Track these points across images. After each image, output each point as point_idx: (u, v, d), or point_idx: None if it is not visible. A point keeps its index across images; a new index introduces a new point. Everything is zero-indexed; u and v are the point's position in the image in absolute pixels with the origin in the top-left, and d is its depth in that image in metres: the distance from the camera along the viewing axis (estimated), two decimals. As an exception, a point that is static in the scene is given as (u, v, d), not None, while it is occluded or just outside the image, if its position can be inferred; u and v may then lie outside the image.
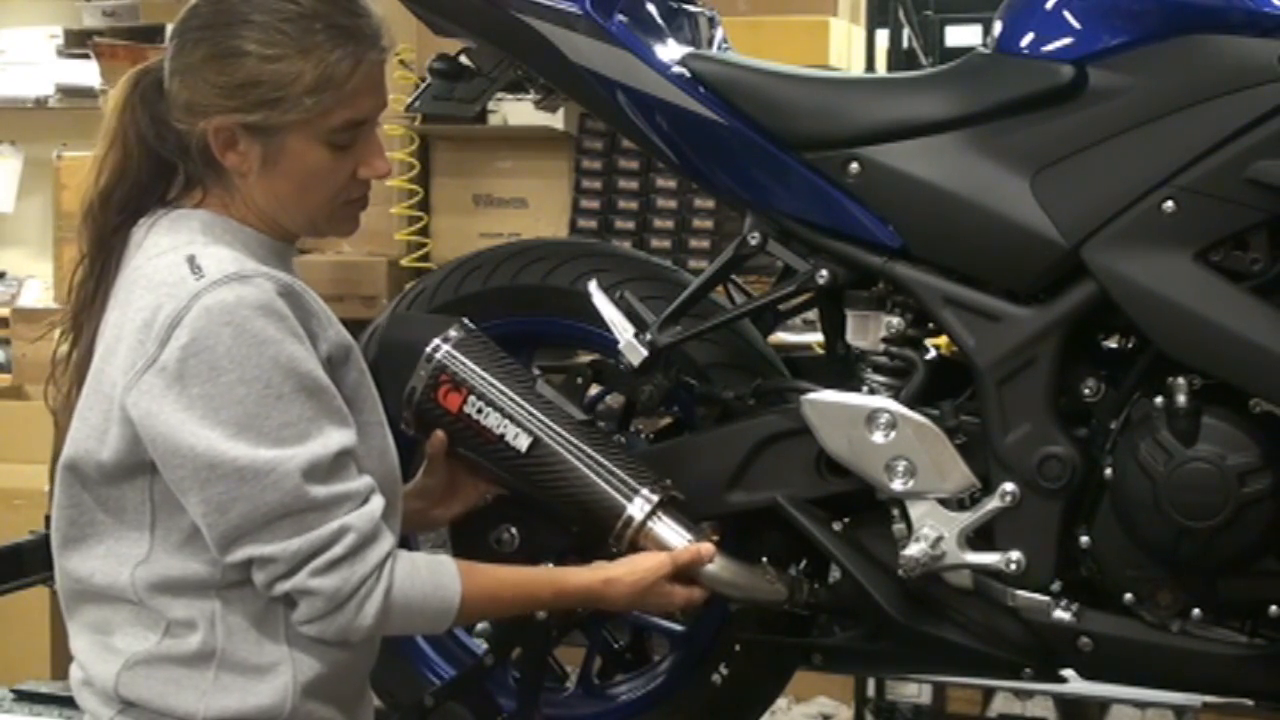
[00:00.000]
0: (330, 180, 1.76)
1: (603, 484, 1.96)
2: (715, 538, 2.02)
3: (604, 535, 1.96)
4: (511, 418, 1.97)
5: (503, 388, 1.98)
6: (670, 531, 1.96)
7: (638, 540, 1.95)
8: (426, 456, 2.03)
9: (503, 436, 1.97)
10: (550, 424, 1.98)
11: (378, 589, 1.69)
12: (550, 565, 2.04)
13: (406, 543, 2.32)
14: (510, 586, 1.85)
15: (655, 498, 1.96)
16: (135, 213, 1.77)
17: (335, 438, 1.68)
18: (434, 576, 1.75)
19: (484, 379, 1.99)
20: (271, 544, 1.66)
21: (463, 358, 1.99)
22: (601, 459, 1.97)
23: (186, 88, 1.72)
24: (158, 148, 1.77)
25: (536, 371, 2.13)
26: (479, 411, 1.97)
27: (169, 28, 5.18)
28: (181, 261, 1.68)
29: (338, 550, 1.67)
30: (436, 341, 2.00)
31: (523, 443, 1.97)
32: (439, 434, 2.00)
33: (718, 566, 1.98)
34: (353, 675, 1.81)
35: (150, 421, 1.65)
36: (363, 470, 1.73)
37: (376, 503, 1.71)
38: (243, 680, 1.71)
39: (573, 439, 1.98)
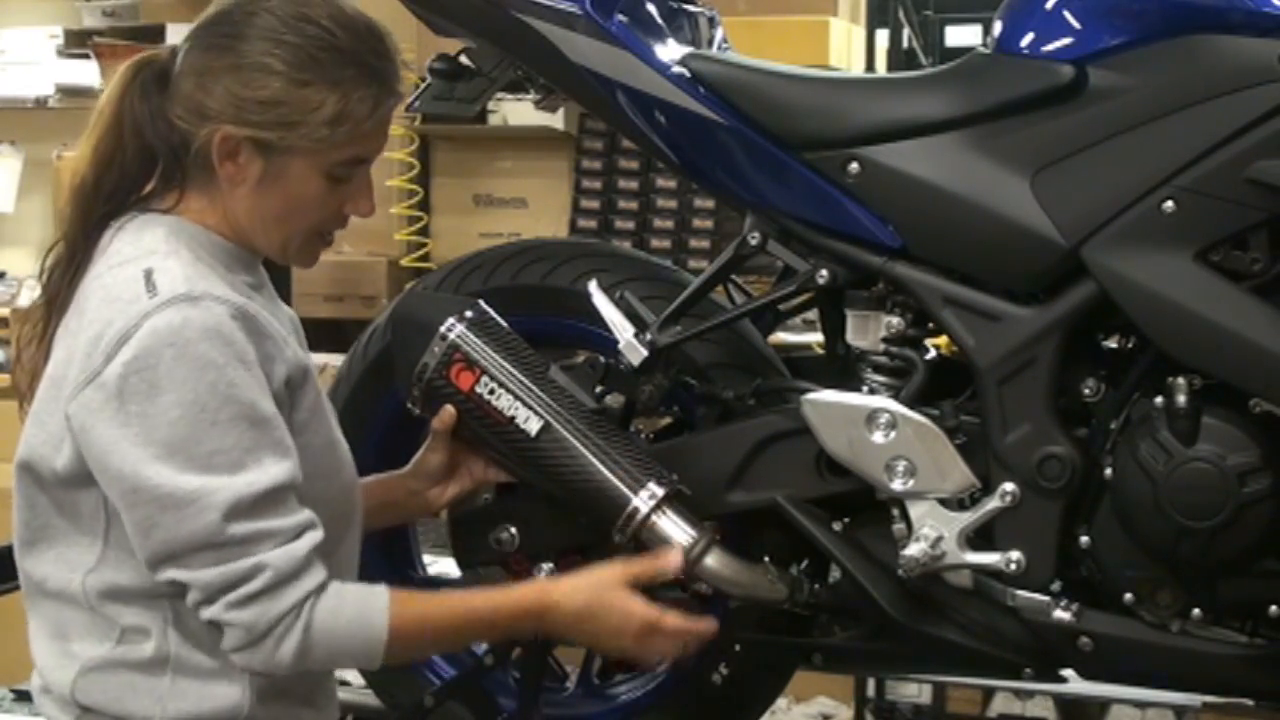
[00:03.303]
0: (317, 211, 1.77)
1: (610, 474, 1.96)
2: (717, 536, 2.01)
3: (608, 526, 1.96)
4: (523, 401, 1.97)
5: (515, 371, 1.99)
6: (674, 527, 1.96)
7: (641, 533, 1.95)
8: (431, 433, 2.03)
9: (513, 419, 1.97)
10: (561, 410, 1.98)
11: (296, 625, 1.67)
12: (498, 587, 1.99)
13: (404, 533, 2.34)
14: (449, 613, 1.80)
15: (662, 491, 1.96)
16: (120, 203, 1.76)
17: (271, 472, 1.66)
18: (360, 611, 1.72)
19: (498, 361, 1.99)
20: (189, 571, 1.66)
21: (477, 338, 2.00)
22: (610, 449, 1.97)
23: (201, 90, 1.72)
24: (151, 139, 1.76)
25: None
26: (491, 392, 1.98)
27: (169, 27, 5.16)
28: (139, 276, 1.67)
29: (253, 586, 1.65)
30: (452, 320, 2.00)
31: (533, 426, 1.97)
32: (448, 409, 1.99)
33: (719, 563, 1.98)
34: (315, 675, 1.81)
35: (86, 436, 1.65)
36: (306, 498, 1.71)
37: (305, 541, 1.69)
38: (198, 684, 1.71)
39: (583, 427, 1.98)
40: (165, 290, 1.65)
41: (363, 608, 1.73)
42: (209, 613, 1.67)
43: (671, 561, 1.90)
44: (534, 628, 1.88)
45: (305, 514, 1.70)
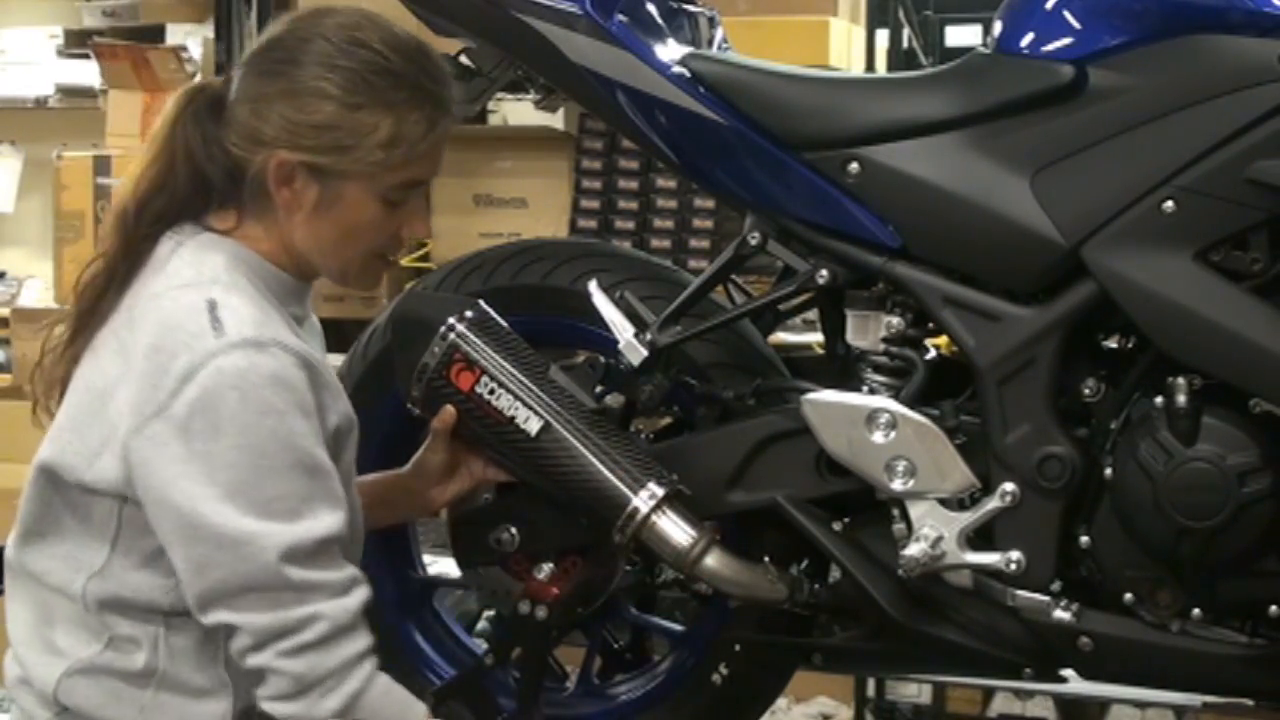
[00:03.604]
0: (374, 235, 1.77)
1: (610, 474, 1.96)
2: (718, 536, 2.01)
3: (608, 527, 1.96)
4: (523, 401, 1.97)
5: (516, 371, 1.99)
6: (674, 527, 1.96)
7: (641, 533, 1.95)
8: (431, 433, 2.03)
9: (513, 419, 1.97)
10: (561, 410, 1.98)
11: (345, 684, 1.68)
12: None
13: (404, 532, 2.34)
14: None
15: (662, 491, 1.96)
16: (167, 225, 1.77)
17: (325, 521, 1.67)
18: (405, 707, 1.75)
19: (498, 360, 1.99)
20: (242, 614, 1.66)
21: (477, 338, 2.00)
22: (610, 449, 1.97)
23: (256, 116, 1.72)
24: (204, 166, 1.76)
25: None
26: (491, 392, 1.98)
27: (169, 28, 5.14)
28: (202, 307, 1.67)
29: (307, 636, 1.66)
30: (452, 320, 2.00)
31: (533, 426, 1.97)
32: (448, 409, 1.99)
33: (719, 563, 1.98)
34: None
35: (146, 469, 1.65)
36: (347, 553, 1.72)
37: (356, 596, 1.70)
38: (181, 701, 1.72)
39: (583, 427, 1.98)
40: (232, 331, 1.66)
41: (407, 706, 1.75)
42: (258, 659, 1.67)
43: None
44: None
45: (352, 569, 1.72)
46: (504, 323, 2.05)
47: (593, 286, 2.11)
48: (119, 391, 1.68)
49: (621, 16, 2.09)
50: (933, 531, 1.98)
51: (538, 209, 4.06)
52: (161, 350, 1.66)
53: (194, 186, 1.77)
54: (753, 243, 2.09)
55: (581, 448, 1.97)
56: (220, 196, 1.78)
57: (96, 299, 1.76)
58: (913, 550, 1.97)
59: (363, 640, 1.70)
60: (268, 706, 1.70)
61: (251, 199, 1.76)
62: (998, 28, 2.04)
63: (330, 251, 1.77)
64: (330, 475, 1.70)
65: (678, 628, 2.31)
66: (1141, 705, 3.61)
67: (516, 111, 3.95)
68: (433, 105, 1.75)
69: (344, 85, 1.71)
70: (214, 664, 1.73)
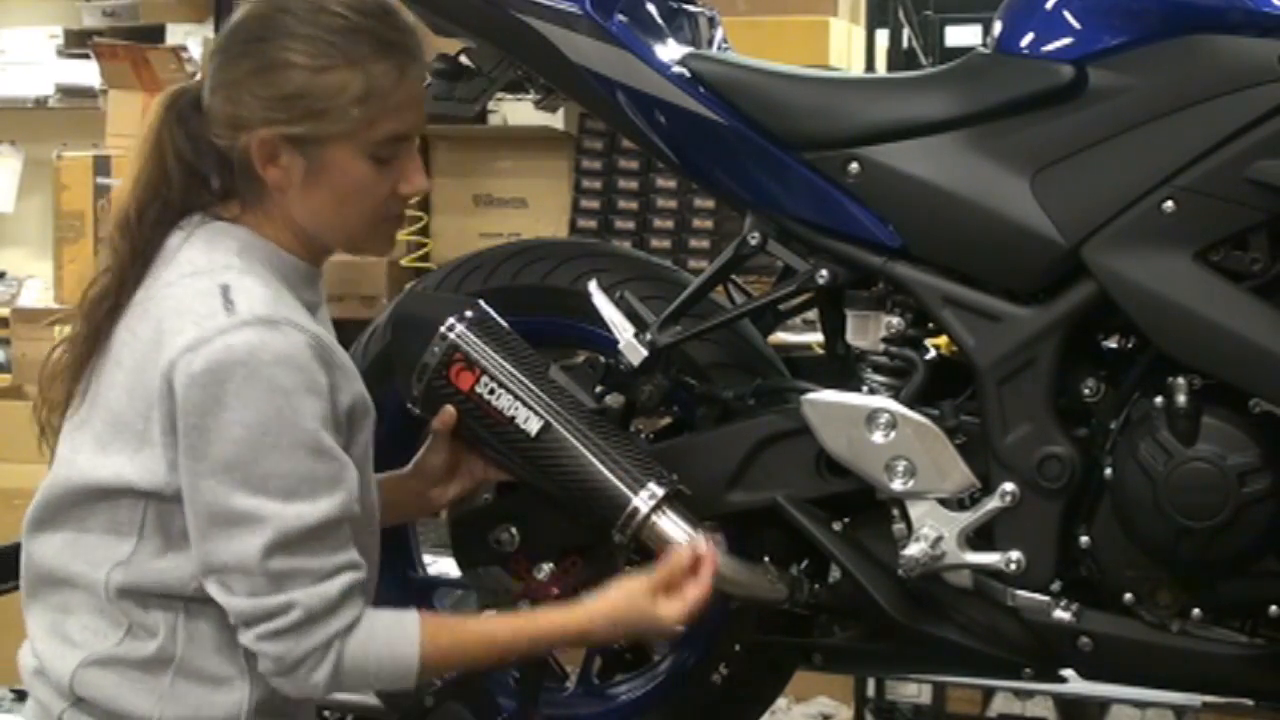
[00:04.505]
0: (370, 196, 1.77)
1: (610, 474, 1.96)
2: (719, 536, 2.01)
3: (608, 527, 1.96)
4: (523, 401, 1.97)
5: (516, 371, 1.99)
6: (674, 527, 1.96)
7: (641, 533, 1.95)
8: (431, 434, 2.03)
9: (513, 419, 1.97)
10: (561, 410, 1.98)
11: (325, 661, 1.69)
12: (526, 609, 1.99)
13: (404, 532, 2.34)
14: (476, 643, 1.82)
15: (662, 492, 1.96)
16: (170, 224, 1.77)
17: (321, 506, 1.67)
18: (390, 644, 1.74)
19: (498, 360, 1.99)
20: (227, 593, 1.68)
21: (477, 338, 2.00)
22: (610, 449, 1.97)
23: (230, 102, 1.73)
24: (196, 165, 1.77)
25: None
26: (491, 392, 1.98)
27: (169, 27, 5.16)
28: (215, 291, 1.68)
29: (280, 623, 1.67)
30: (452, 320, 2.00)
31: (533, 426, 1.97)
32: (449, 409, 1.99)
33: (719, 563, 1.98)
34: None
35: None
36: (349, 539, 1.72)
37: (338, 581, 1.69)
38: (199, 689, 1.72)
39: (583, 427, 1.98)
40: (244, 310, 1.66)
41: (392, 642, 1.74)
42: (244, 638, 1.70)
43: (683, 556, 1.88)
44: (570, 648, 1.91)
45: (346, 555, 1.71)
46: (504, 323, 2.05)
47: (593, 286, 2.11)
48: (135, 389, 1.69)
49: (621, 16, 2.09)
50: (933, 531, 1.98)
51: (538, 209, 4.06)
52: (170, 331, 1.67)
53: (190, 185, 1.78)
54: (753, 243, 2.09)
55: (581, 448, 1.97)
56: (219, 191, 1.78)
57: (109, 311, 1.75)
58: (913, 550, 1.97)
59: (344, 619, 1.70)
60: (272, 682, 1.72)
61: (246, 187, 1.76)
62: (998, 28, 2.04)
63: (332, 222, 1.77)
64: (335, 460, 1.69)
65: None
66: (1141, 705, 3.61)
67: (516, 111, 3.95)
68: (400, 54, 1.74)
69: (308, 51, 1.71)
70: (233, 649, 1.73)
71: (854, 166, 2.02)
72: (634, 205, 3.92)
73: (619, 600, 1.85)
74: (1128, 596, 1.97)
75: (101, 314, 1.76)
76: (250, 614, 1.68)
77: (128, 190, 1.79)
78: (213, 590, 1.68)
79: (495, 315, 2.05)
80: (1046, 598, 1.97)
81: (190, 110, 1.78)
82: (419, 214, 4.13)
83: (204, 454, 1.64)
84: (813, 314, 2.23)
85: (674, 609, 1.85)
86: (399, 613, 1.78)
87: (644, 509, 1.95)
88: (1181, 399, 1.90)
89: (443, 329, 2.00)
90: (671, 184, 3.88)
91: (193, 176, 1.78)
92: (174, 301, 1.69)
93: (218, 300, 1.67)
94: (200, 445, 1.64)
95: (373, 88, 1.72)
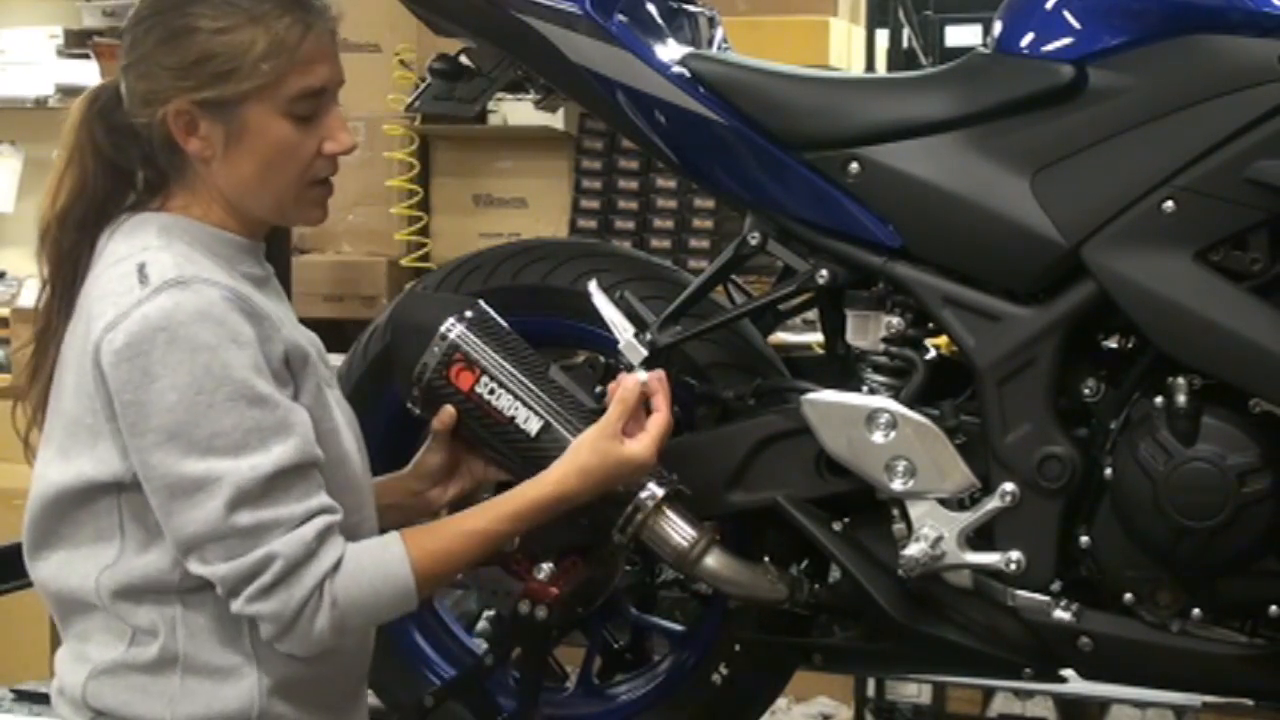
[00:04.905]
0: (295, 156, 1.75)
1: None
2: (718, 536, 2.02)
3: (608, 526, 1.96)
4: (523, 401, 1.97)
5: (516, 371, 1.98)
6: (674, 527, 1.96)
7: (641, 533, 1.95)
8: (431, 434, 2.03)
9: (513, 419, 1.97)
10: (561, 410, 1.98)
11: (322, 606, 1.68)
12: (488, 497, 1.96)
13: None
14: (461, 539, 1.80)
15: (662, 491, 1.96)
16: (95, 226, 1.77)
17: (275, 454, 1.66)
18: (380, 569, 1.73)
19: (497, 360, 1.99)
20: (207, 565, 1.67)
21: (477, 338, 2.00)
22: None
23: (143, 79, 1.73)
24: (116, 159, 1.77)
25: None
26: (491, 392, 1.97)
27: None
28: (132, 270, 1.68)
29: (266, 579, 1.66)
30: (451, 320, 2.00)
31: (533, 426, 1.97)
32: (448, 410, 1.99)
33: (719, 563, 1.98)
34: (333, 679, 1.81)
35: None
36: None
37: (312, 525, 1.68)
38: (209, 684, 1.72)
39: (583, 427, 1.98)
40: (155, 278, 1.66)
41: (382, 565, 1.73)
42: (236, 606, 1.68)
43: (630, 390, 1.89)
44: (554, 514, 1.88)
45: (316, 500, 1.70)
46: (504, 323, 2.05)
47: (593, 286, 2.11)
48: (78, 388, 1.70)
49: (621, 16, 2.09)
50: (933, 531, 1.98)
51: (538, 209, 4.07)
52: (95, 316, 1.67)
53: (112, 184, 1.78)
54: (753, 243, 2.09)
55: None
56: (144, 184, 1.78)
57: (52, 318, 1.77)
58: (913, 550, 1.97)
59: (326, 559, 1.69)
60: (278, 648, 1.70)
61: (170, 165, 1.76)
62: (998, 28, 2.04)
63: (259, 189, 1.76)
64: (275, 403, 1.68)
65: (678, 628, 2.31)
66: (1141, 705, 3.61)
67: (516, 111, 3.95)
68: (303, 9, 1.74)
69: (210, 14, 1.70)
70: (237, 638, 1.72)
71: (854, 166, 2.02)
72: (634, 205, 3.92)
73: (582, 452, 1.85)
74: (1128, 596, 1.97)
75: (47, 326, 1.77)
76: (234, 578, 1.66)
77: (49, 197, 1.79)
78: (194, 567, 1.67)
79: (495, 315, 2.05)
80: (1046, 598, 1.97)
81: (112, 104, 1.77)
82: (419, 214, 4.14)
83: (145, 428, 1.64)
84: (813, 314, 2.23)
85: (641, 443, 1.87)
86: (380, 539, 1.77)
87: (644, 509, 1.95)
88: (1181, 399, 1.90)
89: (442, 329, 2.00)
90: (671, 184, 3.88)
91: (116, 174, 1.78)
92: (98, 291, 1.70)
93: (134, 278, 1.67)
94: (140, 421, 1.64)
95: (278, 42, 1.71)
